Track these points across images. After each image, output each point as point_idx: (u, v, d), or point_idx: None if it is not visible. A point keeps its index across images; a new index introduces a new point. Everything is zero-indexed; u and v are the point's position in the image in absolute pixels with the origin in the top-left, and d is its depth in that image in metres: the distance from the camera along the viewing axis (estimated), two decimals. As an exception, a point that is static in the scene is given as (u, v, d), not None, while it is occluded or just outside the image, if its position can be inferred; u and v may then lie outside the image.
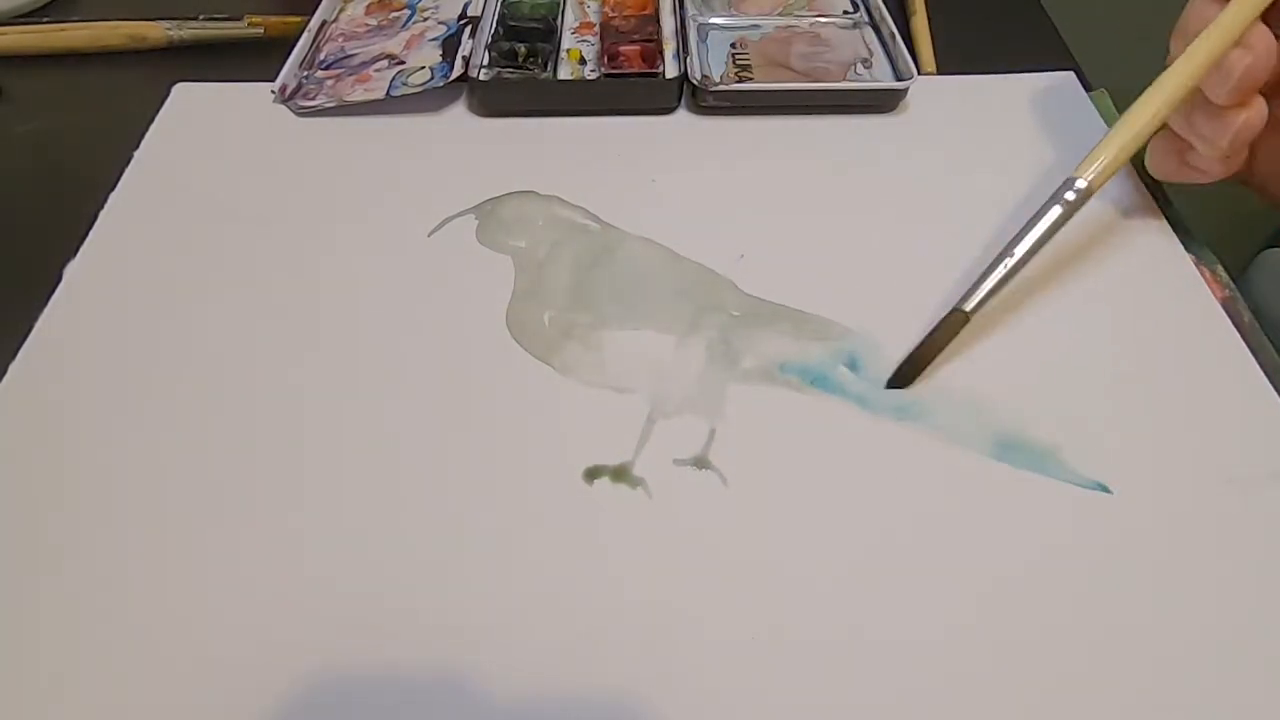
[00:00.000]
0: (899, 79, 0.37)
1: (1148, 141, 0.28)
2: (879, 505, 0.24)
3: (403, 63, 0.38)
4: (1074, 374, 0.27)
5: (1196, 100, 0.27)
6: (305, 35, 0.40)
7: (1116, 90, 0.38)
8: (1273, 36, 0.26)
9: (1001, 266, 0.27)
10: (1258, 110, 0.27)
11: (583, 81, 0.37)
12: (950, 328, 0.27)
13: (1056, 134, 0.36)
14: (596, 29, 0.40)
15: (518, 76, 0.37)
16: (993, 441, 0.26)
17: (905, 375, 0.27)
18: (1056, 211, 0.27)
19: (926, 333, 0.27)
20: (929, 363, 0.27)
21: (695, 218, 0.32)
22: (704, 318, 0.29)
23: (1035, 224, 0.27)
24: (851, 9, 0.41)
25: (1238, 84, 0.26)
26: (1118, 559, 0.23)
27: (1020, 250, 0.27)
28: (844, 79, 0.37)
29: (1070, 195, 0.27)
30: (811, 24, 0.40)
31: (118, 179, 0.34)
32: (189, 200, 0.33)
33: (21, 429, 0.26)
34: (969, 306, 0.27)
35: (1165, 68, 0.27)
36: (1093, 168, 0.27)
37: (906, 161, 0.35)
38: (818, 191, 0.33)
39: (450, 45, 0.38)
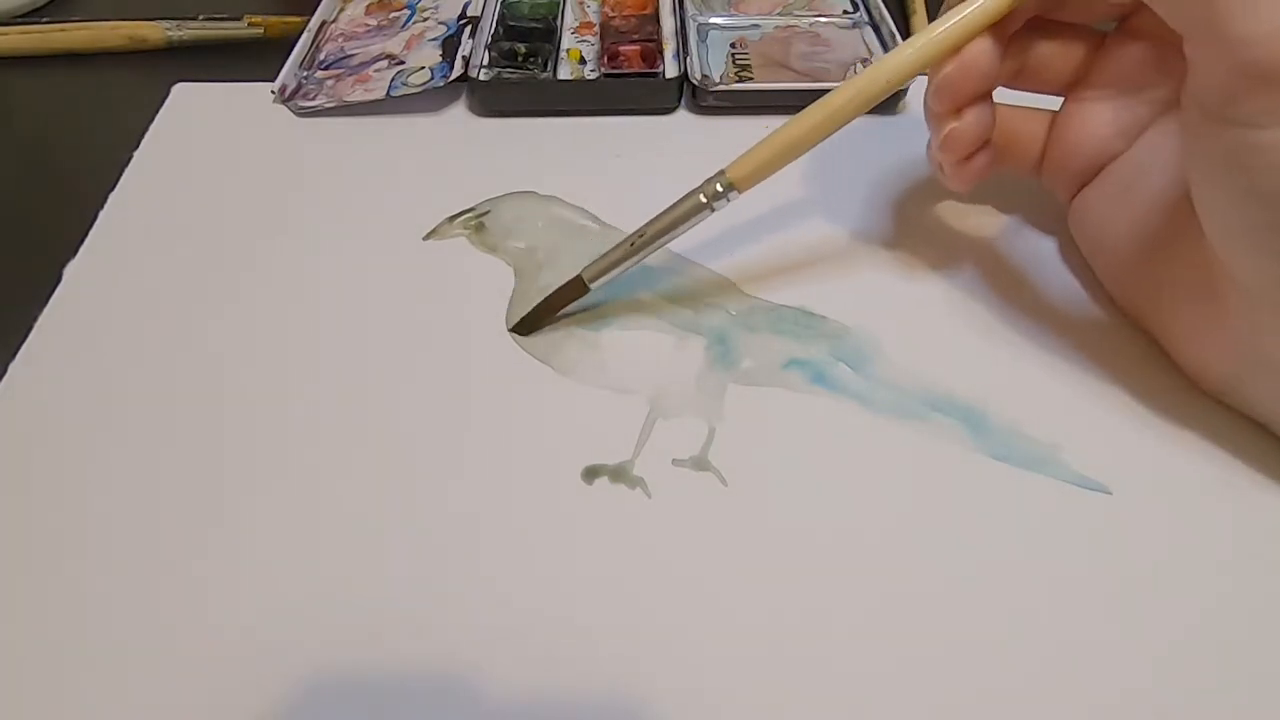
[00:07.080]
0: (899, 79, 0.37)
1: (811, 146, 0.27)
2: (879, 505, 0.24)
3: (403, 63, 0.38)
4: (1073, 374, 0.27)
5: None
6: (305, 35, 0.40)
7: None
8: (990, 52, 0.24)
9: (628, 244, 0.27)
10: (970, 121, 0.26)
11: (583, 81, 0.37)
12: (568, 293, 0.28)
13: (1056, 134, 0.36)
14: (596, 29, 0.40)
15: (518, 76, 0.37)
16: (992, 441, 0.26)
17: (523, 327, 0.28)
18: (697, 200, 0.26)
19: (550, 292, 0.28)
20: (545, 322, 0.28)
21: (695, 218, 0.32)
22: (704, 318, 0.29)
23: (673, 210, 0.27)
24: (851, 9, 0.41)
25: (937, 90, 0.25)
26: (1117, 559, 0.23)
27: (650, 231, 0.27)
28: (844, 79, 0.37)
29: (719, 187, 0.26)
30: (811, 24, 0.40)
31: (118, 179, 0.34)
32: (189, 200, 0.33)
33: (21, 429, 0.26)
34: (588, 277, 0.27)
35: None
36: (742, 167, 0.26)
37: (906, 161, 0.35)
38: (817, 191, 0.33)
39: (450, 45, 0.38)
